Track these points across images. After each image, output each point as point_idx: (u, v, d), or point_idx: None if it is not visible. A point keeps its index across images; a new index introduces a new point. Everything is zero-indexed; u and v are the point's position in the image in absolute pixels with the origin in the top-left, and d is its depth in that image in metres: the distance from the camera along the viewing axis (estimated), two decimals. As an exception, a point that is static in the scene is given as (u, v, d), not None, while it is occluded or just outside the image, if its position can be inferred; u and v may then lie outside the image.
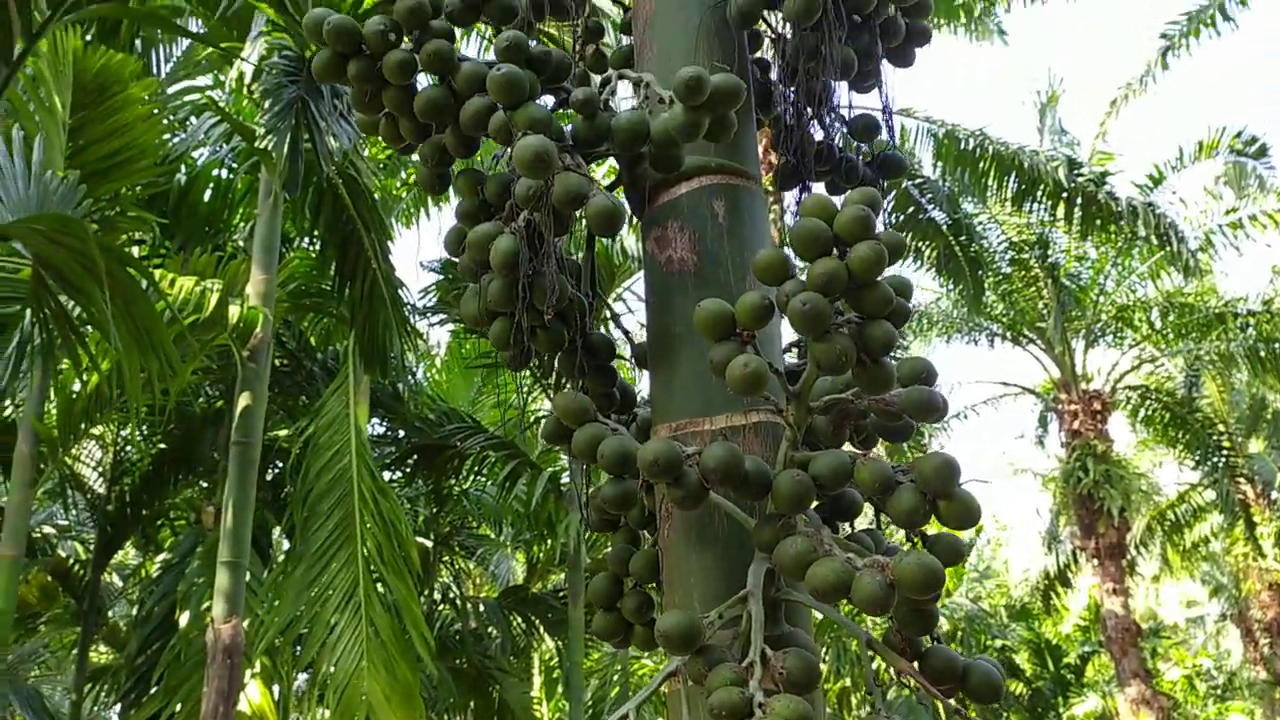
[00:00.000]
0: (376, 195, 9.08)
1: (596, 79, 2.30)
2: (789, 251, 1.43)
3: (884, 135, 2.01)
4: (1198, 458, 18.09)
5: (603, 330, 1.90)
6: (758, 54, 2.05)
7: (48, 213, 4.34)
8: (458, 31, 1.79)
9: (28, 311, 5.77)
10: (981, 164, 14.88)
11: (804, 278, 1.39)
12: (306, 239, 9.90)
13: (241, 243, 9.64)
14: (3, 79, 3.64)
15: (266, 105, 6.20)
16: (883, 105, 1.91)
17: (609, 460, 1.48)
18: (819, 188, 2.03)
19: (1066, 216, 14.63)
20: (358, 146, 7.94)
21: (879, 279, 1.36)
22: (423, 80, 1.69)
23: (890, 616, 1.35)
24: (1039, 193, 14.61)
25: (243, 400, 7.06)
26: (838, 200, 1.41)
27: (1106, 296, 17.53)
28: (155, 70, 8.97)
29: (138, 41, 8.28)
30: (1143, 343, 17.83)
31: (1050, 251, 17.24)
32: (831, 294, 1.35)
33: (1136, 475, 18.07)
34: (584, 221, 1.60)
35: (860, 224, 1.35)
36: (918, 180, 15.20)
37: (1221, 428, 18.35)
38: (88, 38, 7.25)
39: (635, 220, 1.85)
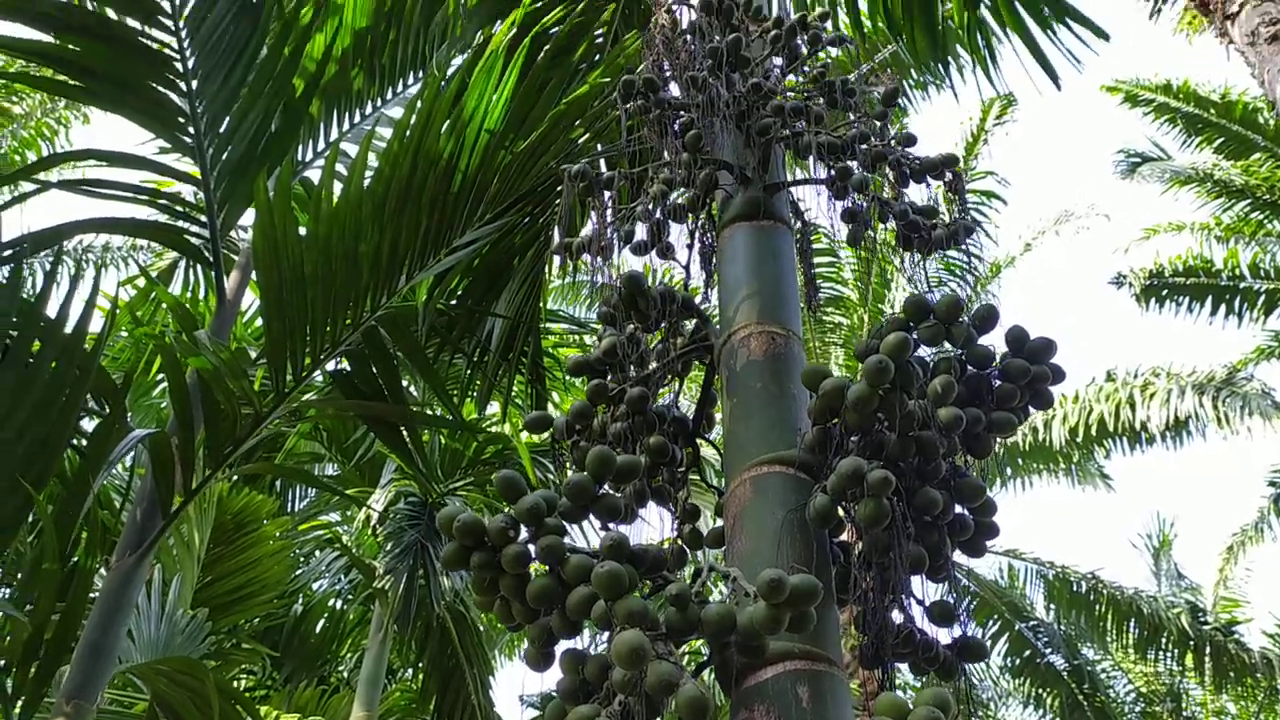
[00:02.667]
0: (482, 628, 9.26)
1: (693, 553, 2.49)
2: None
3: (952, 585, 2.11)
4: None
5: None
6: (841, 536, 2.23)
7: (173, 655, 4.58)
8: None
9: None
10: (1098, 608, 14.47)
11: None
12: (409, 669, 9.99)
13: (345, 674, 9.76)
14: (159, 530, 4.02)
15: (388, 547, 6.62)
16: (951, 596, 2.05)
17: None
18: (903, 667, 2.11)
19: (1196, 667, 13.91)
20: (469, 584, 8.24)
21: (954, 780, 1.42)
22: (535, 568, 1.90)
23: None
24: (1163, 640, 14.02)
25: None
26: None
27: (1257, 758, 16.08)
28: (289, 506, 9.63)
29: (277, 482, 9.01)
30: (1307, 814, 16.03)
31: (1185, 704, 16.12)
32: (908, 794, 1.41)
33: None
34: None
35: (931, 726, 1.44)
36: (1031, 623, 14.80)
37: None
38: (233, 479, 7.94)
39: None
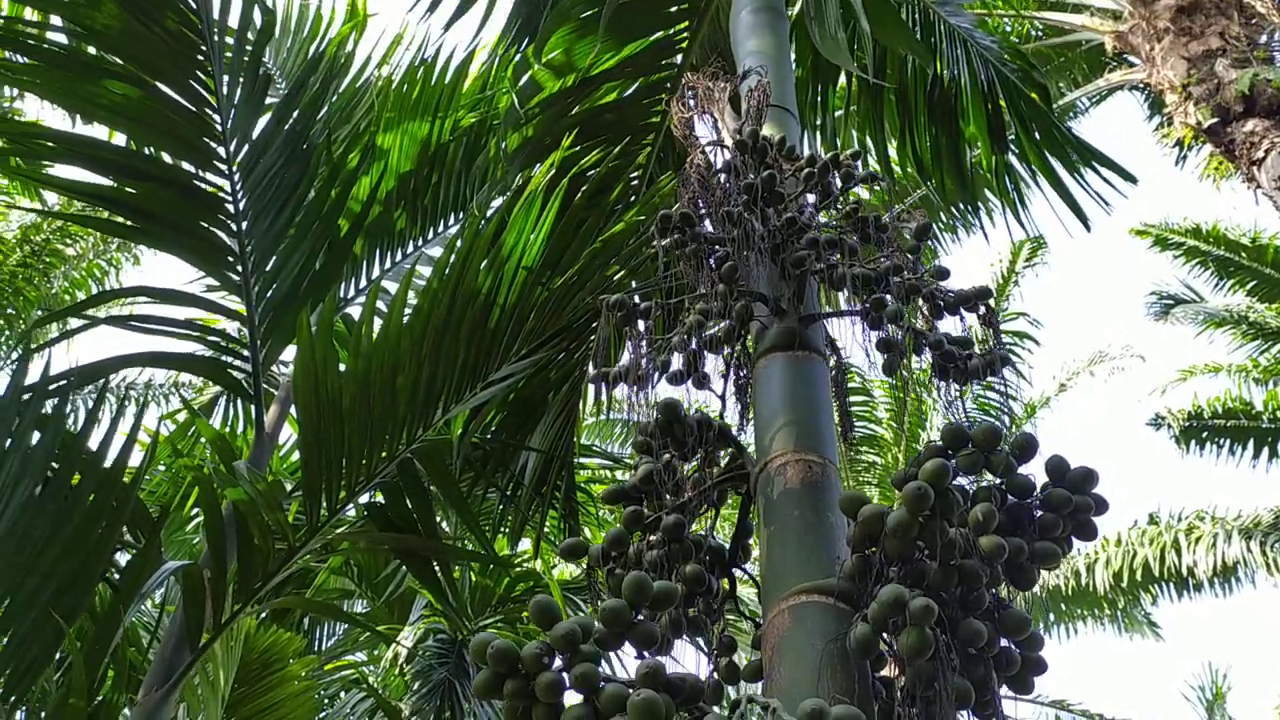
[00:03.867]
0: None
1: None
2: None
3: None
4: None
5: None
6: (882, 670, 2.16)
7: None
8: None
9: None
10: (1150, 765, 13.84)
11: None
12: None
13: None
14: (186, 665, 3.97)
15: (416, 686, 6.49)
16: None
17: None
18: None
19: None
20: (497, 723, 8.03)
21: None
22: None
23: None
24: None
25: None
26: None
27: None
28: (317, 644, 9.48)
29: (305, 620, 8.90)
30: None
31: None
32: None
33: None
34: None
35: None
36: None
37: None
38: (262, 615, 7.86)
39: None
